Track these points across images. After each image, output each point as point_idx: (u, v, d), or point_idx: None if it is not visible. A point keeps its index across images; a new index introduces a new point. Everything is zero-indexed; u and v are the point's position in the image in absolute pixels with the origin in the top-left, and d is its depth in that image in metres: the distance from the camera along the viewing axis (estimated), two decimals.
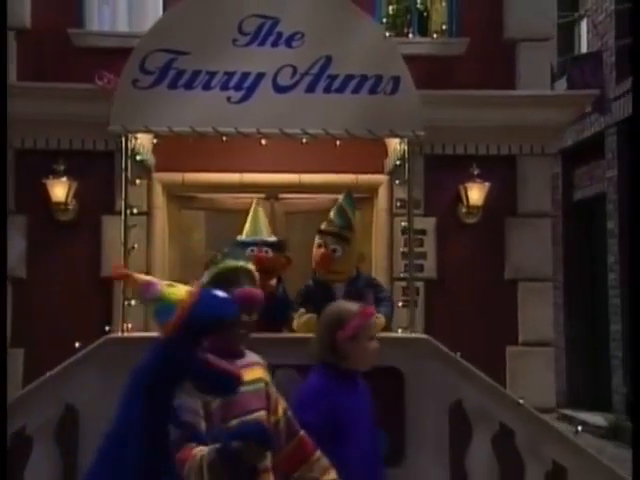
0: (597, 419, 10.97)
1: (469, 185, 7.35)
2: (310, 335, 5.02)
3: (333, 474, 3.12)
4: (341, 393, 3.37)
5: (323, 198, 7.52)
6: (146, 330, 7.03)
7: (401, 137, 5.19)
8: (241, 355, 3.03)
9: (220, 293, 2.64)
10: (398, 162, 5.27)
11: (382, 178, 7.48)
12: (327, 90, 4.99)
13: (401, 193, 7.59)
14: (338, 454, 3.19)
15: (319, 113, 4.98)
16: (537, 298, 7.41)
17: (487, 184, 7.32)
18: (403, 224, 5.88)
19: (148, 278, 2.70)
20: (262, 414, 2.99)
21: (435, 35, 7.86)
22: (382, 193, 7.56)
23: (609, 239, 11.41)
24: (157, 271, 7.51)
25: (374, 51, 5.09)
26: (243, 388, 2.84)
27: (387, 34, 7.73)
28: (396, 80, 5.07)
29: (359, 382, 3.56)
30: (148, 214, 7.45)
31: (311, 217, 7.30)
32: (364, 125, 5.04)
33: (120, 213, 5.13)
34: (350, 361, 3.42)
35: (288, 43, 4.98)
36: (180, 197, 7.94)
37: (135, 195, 7.25)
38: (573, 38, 13.25)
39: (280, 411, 3.12)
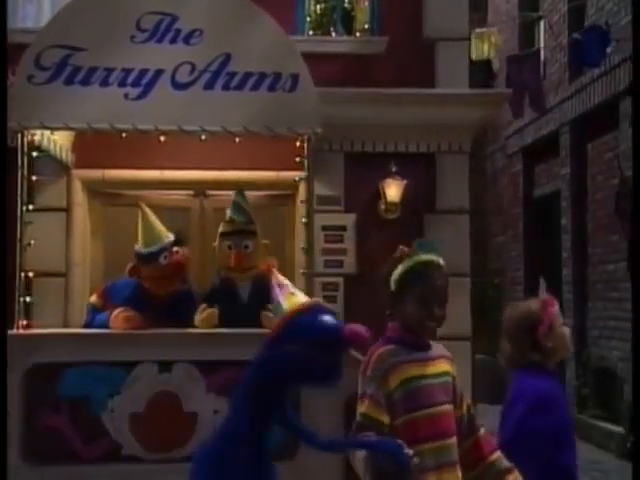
0: None
1: (387, 182, 7.44)
2: (211, 331, 5.14)
3: (515, 476, 2.99)
4: (560, 394, 3.35)
5: (249, 195, 7.57)
6: (66, 326, 7.08)
7: (299, 134, 5.24)
8: (427, 348, 3.02)
9: (327, 318, 2.74)
10: (298, 159, 5.31)
11: (302, 175, 7.52)
12: (226, 87, 5.04)
13: (321, 190, 7.69)
14: (566, 459, 3.19)
15: (218, 110, 5.03)
16: (455, 293, 7.46)
17: (404, 181, 7.42)
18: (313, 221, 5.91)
19: (282, 280, 2.92)
20: (448, 407, 2.95)
21: (358, 34, 7.93)
22: (302, 190, 7.60)
23: (563, 235, 11.59)
24: (77, 267, 7.51)
25: (273, 49, 5.15)
26: (427, 380, 2.91)
27: (310, 32, 7.90)
28: (295, 78, 5.13)
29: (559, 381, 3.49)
30: (67, 211, 7.44)
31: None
32: (263, 122, 5.10)
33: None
34: (556, 354, 3.38)
35: (187, 40, 5.02)
36: (103, 194, 7.93)
37: (54, 192, 7.30)
38: (533, 38, 13.44)
39: (464, 407, 3.07)
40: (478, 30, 12.20)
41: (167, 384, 4.87)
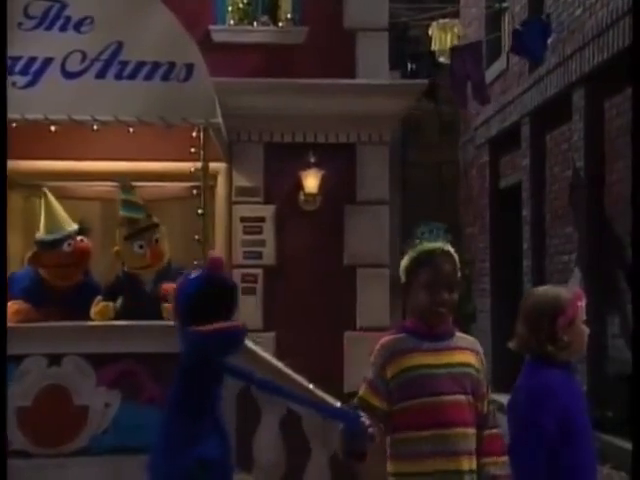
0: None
1: (306, 173, 7.41)
2: (102, 324, 5.08)
3: None
4: (568, 389, 3.16)
5: (172, 187, 7.53)
6: None
7: (194, 125, 5.18)
8: (442, 338, 2.99)
9: (193, 277, 3.08)
10: (193, 149, 5.25)
11: (220, 166, 7.49)
12: (118, 76, 4.97)
13: (240, 181, 7.65)
14: (572, 457, 3.04)
15: (110, 100, 4.96)
16: (375, 284, 7.52)
17: (322, 172, 7.39)
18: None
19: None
20: (455, 398, 2.92)
21: (281, 24, 7.88)
22: (221, 181, 7.58)
23: (523, 226, 11.62)
24: None
25: (167, 38, 5.09)
26: (432, 370, 2.91)
27: (233, 21, 7.82)
28: (189, 67, 5.08)
29: (573, 373, 3.30)
30: None
31: (165, 205, 7.30)
32: (156, 112, 5.04)
33: None
34: (571, 349, 3.18)
35: (77, 28, 4.94)
36: (25, 186, 7.81)
37: None
38: (500, 28, 13.44)
39: (484, 402, 3.04)
40: (441, 21, 12.21)
41: (56, 377, 4.82)
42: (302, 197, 7.50)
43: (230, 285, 3.19)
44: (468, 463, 2.93)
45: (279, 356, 7.41)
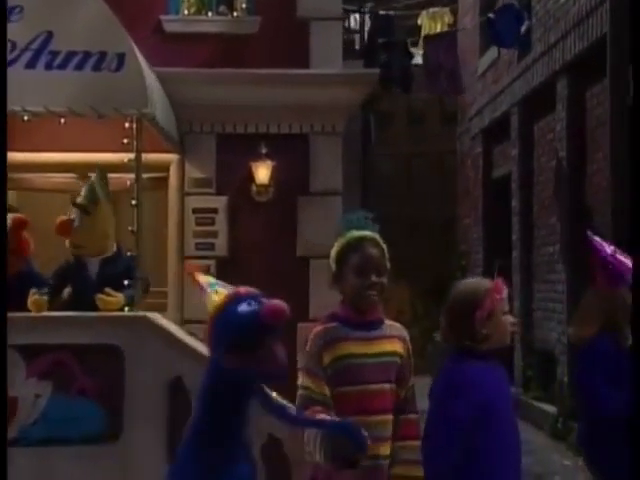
0: None
1: (257, 164, 7.39)
2: (32, 315, 5.06)
3: (417, 471, 3.00)
4: (488, 380, 3.16)
5: (126, 178, 7.49)
6: None
7: (126, 115, 5.15)
8: (372, 327, 3.03)
9: (244, 309, 2.71)
10: (126, 140, 5.22)
11: (172, 157, 7.47)
12: (49, 66, 4.94)
13: (193, 172, 7.63)
14: (491, 446, 3.05)
15: (40, 90, 4.93)
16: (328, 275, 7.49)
17: (272, 163, 7.37)
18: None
19: (205, 281, 2.83)
20: (382, 387, 2.98)
21: (236, 13, 7.84)
22: (173, 172, 7.56)
23: (513, 217, 11.58)
24: None
25: (98, 27, 5.05)
26: (362, 359, 2.95)
27: (188, 12, 7.78)
28: (121, 57, 5.04)
29: (498, 363, 3.29)
30: None
31: (122, 196, 7.27)
32: (87, 103, 5.01)
33: None
34: (491, 341, 3.19)
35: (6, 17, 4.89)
36: None
37: None
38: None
39: (406, 387, 3.09)
40: (431, 10, 12.19)
41: None
42: (254, 188, 7.48)
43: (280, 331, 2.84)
44: (385, 448, 2.98)
45: None
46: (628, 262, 3.93)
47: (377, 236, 3.11)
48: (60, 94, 4.94)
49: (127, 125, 5.20)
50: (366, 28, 13.55)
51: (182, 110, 7.33)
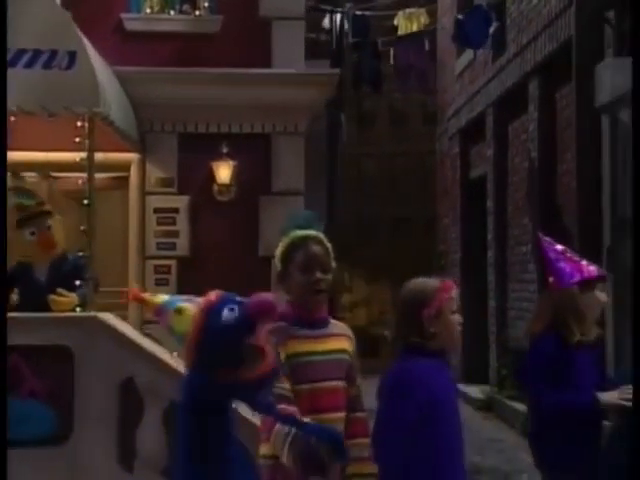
0: (474, 391, 11.33)
1: (218, 163, 7.37)
2: None
3: (371, 468, 3.01)
4: (435, 377, 3.17)
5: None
6: None
7: (77, 114, 5.11)
8: (319, 325, 3.02)
9: (226, 314, 2.48)
10: (77, 139, 5.17)
11: (133, 156, 7.43)
12: None
13: (155, 172, 7.59)
14: (436, 442, 3.06)
15: None
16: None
17: (233, 162, 7.36)
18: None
19: (159, 302, 2.54)
20: (334, 384, 2.98)
21: (198, 12, 7.81)
22: (134, 171, 7.52)
23: (488, 217, 11.59)
24: None
25: (49, 25, 5.00)
26: (312, 357, 2.94)
27: (150, 10, 7.74)
28: (72, 55, 5.00)
29: (444, 362, 3.31)
30: None
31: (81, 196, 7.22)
32: (38, 101, 4.97)
33: None
34: (439, 339, 3.19)
35: None
36: None
37: None
38: None
39: (357, 386, 3.10)
40: (407, 10, 12.22)
41: None
42: (216, 188, 7.46)
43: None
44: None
45: None
46: (578, 262, 3.95)
47: (321, 235, 3.12)
48: (10, 92, 4.86)
49: (79, 124, 5.15)
50: (345, 28, 13.58)
51: (143, 109, 7.29)
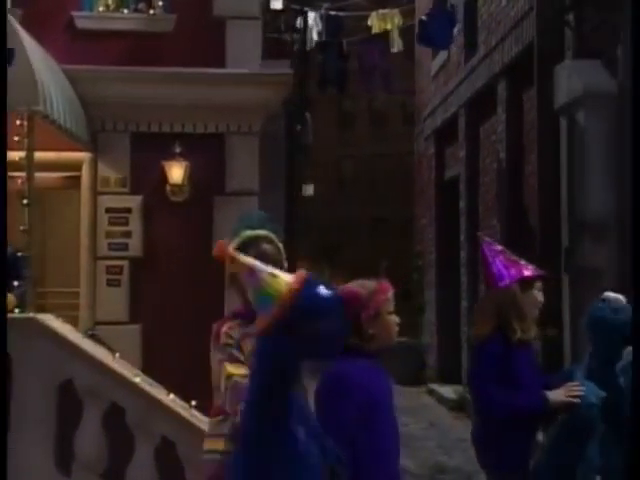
0: (447, 391, 11.42)
1: (171, 163, 7.31)
2: None
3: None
4: (373, 378, 3.19)
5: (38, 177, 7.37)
6: None
7: (17, 112, 5.04)
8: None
9: (323, 291, 2.48)
10: (17, 138, 5.10)
11: (84, 155, 7.36)
12: None
13: (106, 171, 7.52)
14: (373, 442, 3.07)
15: None
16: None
17: (187, 162, 7.30)
18: None
19: (253, 263, 2.55)
20: None
21: (152, 11, 7.75)
22: (85, 171, 7.45)
23: (460, 218, 11.58)
24: None
25: None
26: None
27: (103, 8, 7.66)
28: (10, 52, 4.91)
29: (380, 363, 3.35)
30: None
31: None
32: None
33: None
34: (377, 340, 3.22)
35: None
36: None
37: None
38: None
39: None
40: (381, 11, 12.21)
41: None
42: (169, 188, 7.40)
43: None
44: None
45: (145, 348, 7.34)
46: (517, 262, 3.97)
47: (272, 234, 3.14)
48: None
49: (18, 122, 5.08)
50: (317, 29, 13.56)
51: (94, 108, 7.22)
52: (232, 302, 3.29)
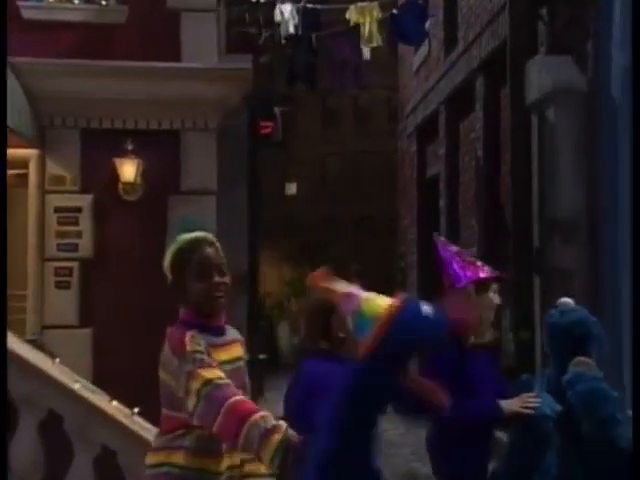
0: None
1: (123, 161, 7.03)
2: None
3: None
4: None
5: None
6: None
7: None
8: (220, 332, 2.86)
9: (427, 310, 2.36)
10: None
11: (31, 152, 7.05)
12: None
13: (55, 169, 7.21)
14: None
15: None
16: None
17: (140, 160, 7.03)
18: None
19: (347, 289, 2.50)
20: (240, 392, 2.79)
21: (104, 2, 7.46)
22: (33, 168, 7.14)
23: (441, 217, 11.35)
24: None
25: None
26: (225, 367, 2.75)
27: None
28: None
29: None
30: None
31: None
32: None
33: None
34: (347, 344, 3.09)
35: None
36: None
37: None
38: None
39: (248, 391, 2.98)
40: (359, 4, 11.96)
41: None
42: (121, 186, 7.11)
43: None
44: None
45: (97, 353, 7.05)
46: (473, 263, 3.87)
47: (210, 235, 2.94)
48: None
49: None
50: (293, 22, 13.28)
51: (42, 103, 6.93)
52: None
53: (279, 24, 12.70)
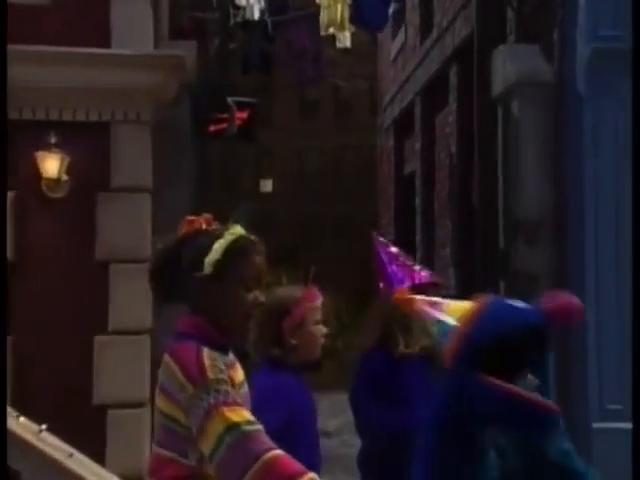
0: None
1: (45, 155, 6.48)
2: None
3: None
4: (295, 390, 3.09)
5: None
6: None
7: None
8: (228, 351, 2.40)
9: (515, 305, 2.22)
10: None
11: None
12: None
13: None
14: (298, 457, 2.53)
15: None
16: (132, 282, 6.64)
17: (64, 154, 6.49)
18: None
19: (430, 300, 2.41)
20: None
21: None
22: None
23: (417, 216, 10.91)
24: None
25: None
26: (243, 389, 2.40)
27: None
28: None
29: (302, 376, 3.18)
30: None
31: None
32: None
33: None
34: (300, 352, 3.09)
35: None
36: None
37: None
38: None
39: None
40: None
41: None
42: (44, 183, 6.56)
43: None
44: None
45: (18, 364, 6.52)
46: (411, 266, 3.74)
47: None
48: None
49: None
50: (259, 6, 12.70)
51: None
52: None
53: (244, 8, 12.14)
